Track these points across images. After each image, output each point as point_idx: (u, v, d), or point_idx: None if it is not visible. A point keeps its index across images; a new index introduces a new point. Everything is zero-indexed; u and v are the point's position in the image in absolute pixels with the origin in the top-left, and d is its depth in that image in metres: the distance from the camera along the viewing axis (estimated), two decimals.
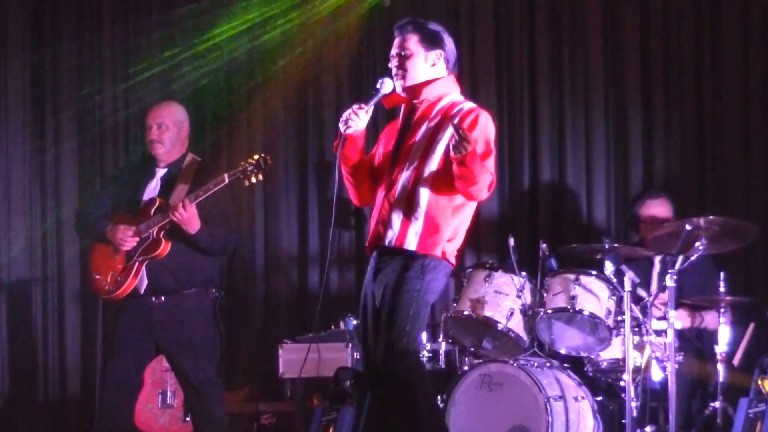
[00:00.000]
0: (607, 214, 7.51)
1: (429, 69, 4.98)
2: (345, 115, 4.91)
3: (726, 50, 7.33)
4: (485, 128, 4.87)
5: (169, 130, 6.07)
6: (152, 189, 6.07)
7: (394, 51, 5.00)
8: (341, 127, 4.90)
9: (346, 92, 7.89)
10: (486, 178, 4.76)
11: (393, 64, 4.99)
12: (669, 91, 7.43)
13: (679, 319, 6.44)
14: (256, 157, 5.82)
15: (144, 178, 6.12)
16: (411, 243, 4.84)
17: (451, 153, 4.68)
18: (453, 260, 4.96)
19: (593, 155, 7.53)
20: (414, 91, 4.98)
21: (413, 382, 4.82)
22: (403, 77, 4.97)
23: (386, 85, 4.98)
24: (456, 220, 4.91)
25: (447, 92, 5.01)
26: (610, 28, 7.52)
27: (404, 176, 4.87)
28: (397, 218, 4.87)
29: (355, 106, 4.91)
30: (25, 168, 8.14)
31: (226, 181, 5.79)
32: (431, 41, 4.99)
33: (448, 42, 5.05)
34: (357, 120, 4.88)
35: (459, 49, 7.61)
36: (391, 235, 4.87)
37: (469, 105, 4.97)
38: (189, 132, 6.20)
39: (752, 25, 7.30)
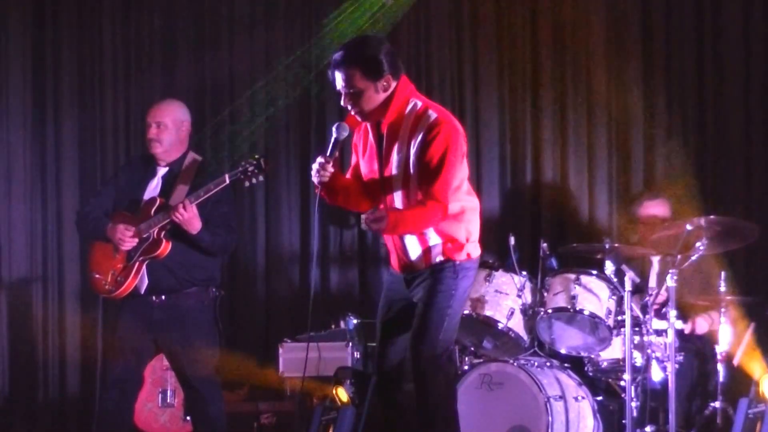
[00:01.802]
0: (608, 214, 7.50)
1: (383, 94, 4.88)
2: (314, 171, 4.90)
3: (727, 50, 7.33)
4: (442, 145, 4.79)
5: (168, 129, 6.05)
6: (153, 188, 6.06)
7: (341, 88, 4.89)
8: (315, 180, 4.92)
9: None
10: (427, 218, 4.82)
11: (345, 102, 4.91)
12: (670, 91, 7.43)
13: (699, 327, 6.50)
14: (256, 157, 5.83)
15: (145, 177, 6.10)
16: (437, 258, 4.92)
17: (363, 226, 4.78)
18: (478, 253, 5.05)
19: (595, 155, 7.53)
20: (377, 115, 4.92)
21: (442, 383, 4.90)
22: (360, 112, 4.91)
23: (342, 132, 4.93)
24: (464, 223, 4.97)
25: (407, 97, 4.93)
26: (612, 28, 7.52)
27: (398, 203, 4.92)
28: (412, 245, 4.95)
29: (320, 160, 4.89)
30: (26, 166, 8.14)
31: (227, 181, 5.78)
32: (374, 72, 4.84)
33: (386, 55, 4.87)
34: (325, 172, 4.89)
35: (461, 49, 7.74)
36: (417, 260, 4.95)
37: (433, 115, 4.87)
38: (190, 131, 6.20)
39: (753, 25, 7.30)
